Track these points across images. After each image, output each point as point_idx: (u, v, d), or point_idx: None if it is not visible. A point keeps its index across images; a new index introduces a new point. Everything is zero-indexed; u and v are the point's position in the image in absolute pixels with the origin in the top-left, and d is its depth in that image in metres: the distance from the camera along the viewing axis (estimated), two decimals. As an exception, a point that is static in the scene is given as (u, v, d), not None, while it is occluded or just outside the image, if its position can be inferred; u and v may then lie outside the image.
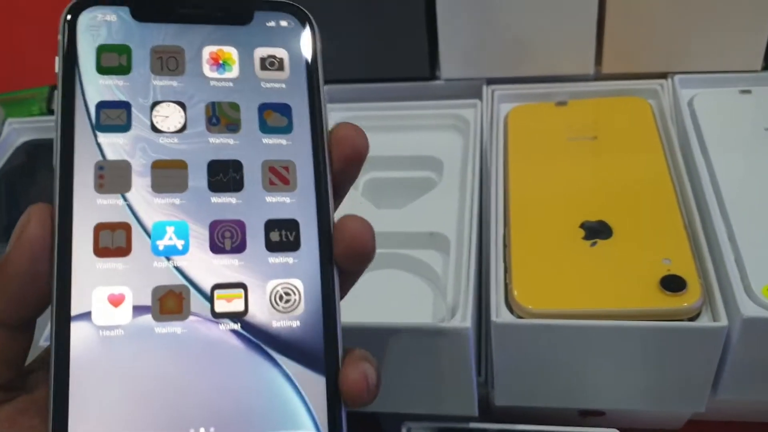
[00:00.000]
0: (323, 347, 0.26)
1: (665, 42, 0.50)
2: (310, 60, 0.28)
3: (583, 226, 0.42)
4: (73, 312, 0.24)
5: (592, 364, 0.39)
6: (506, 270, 0.41)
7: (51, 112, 0.59)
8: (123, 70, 0.26)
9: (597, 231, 0.42)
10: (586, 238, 0.41)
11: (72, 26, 0.26)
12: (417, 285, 0.43)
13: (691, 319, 0.37)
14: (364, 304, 0.37)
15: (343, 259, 0.26)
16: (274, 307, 0.26)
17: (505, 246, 0.42)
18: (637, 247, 0.40)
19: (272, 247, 0.26)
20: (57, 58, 0.26)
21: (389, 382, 0.38)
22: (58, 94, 0.26)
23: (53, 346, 0.24)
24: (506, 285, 0.40)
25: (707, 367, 0.38)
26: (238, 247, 0.26)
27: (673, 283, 0.38)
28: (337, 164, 0.27)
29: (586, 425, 0.41)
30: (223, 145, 0.27)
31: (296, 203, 0.27)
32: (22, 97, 0.61)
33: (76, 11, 0.26)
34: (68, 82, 0.26)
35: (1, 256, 0.24)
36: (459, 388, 0.40)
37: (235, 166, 0.27)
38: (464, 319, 0.38)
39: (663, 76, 0.51)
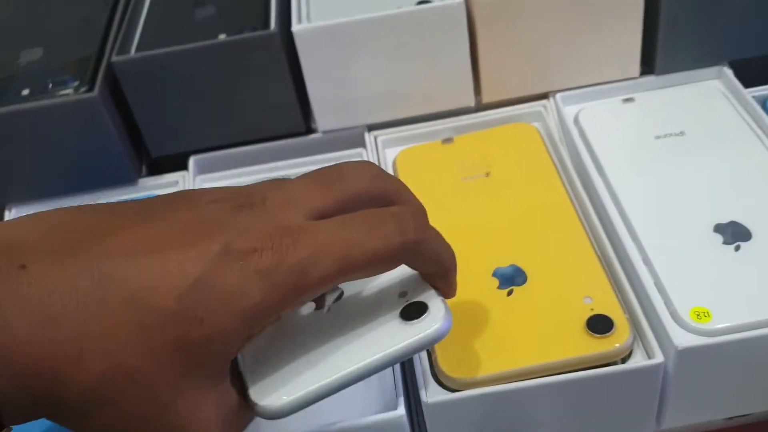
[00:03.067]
0: None
1: (541, 62, 0.48)
2: None
3: (495, 274, 0.39)
4: None
5: (532, 422, 0.37)
6: (425, 337, 0.38)
7: None
8: None
9: (511, 278, 0.39)
10: (501, 287, 0.39)
11: None
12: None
13: (624, 360, 0.36)
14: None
15: None
16: None
17: (419, 310, 0.39)
18: (554, 289, 0.38)
19: None
20: None
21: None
22: None
23: None
24: (429, 354, 0.37)
25: (649, 403, 0.37)
26: None
27: (599, 324, 0.36)
28: None
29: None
30: None
31: None
32: None
33: None
34: None
35: None
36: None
37: None
38: (398, 406, 0.34)
39: (544, 96, 0.50)
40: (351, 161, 0.32)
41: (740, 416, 0.44)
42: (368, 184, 0.31)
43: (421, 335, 0.31)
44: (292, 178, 0.31)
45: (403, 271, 0.33)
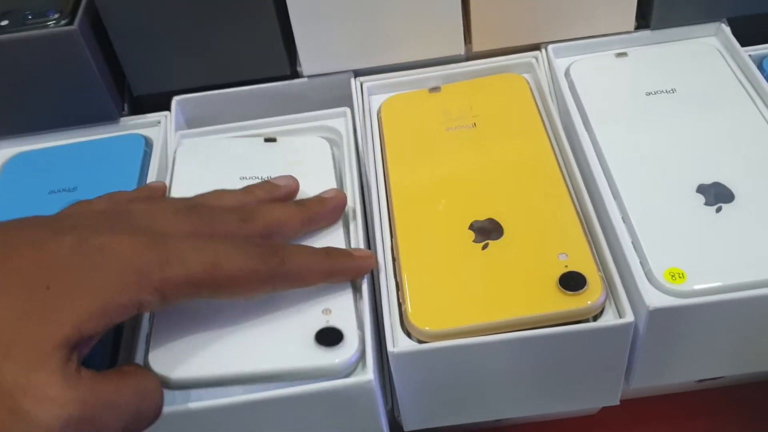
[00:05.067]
0: None
1: (534, 12, 0.47)
2: None
3: (472, 227, 0.39)
4: None
5: (500, 377, 0.37)
6: (398, 287, 0.37)
7: None
8: None
9: (487, 231, 0.39)
10: (477, 240, 0.38)
11: None
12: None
13: (596, 317, 0.35)
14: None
15: None
16: None
17: (393, 259, 0.39)
18: (530, 244, 0.38)
19: None
20: None
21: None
22: None
23: None
24: (399, 305, 0.37)
25: (618, 362, 0.36)
26: None
27: (572, 281, 0.35)
28: None
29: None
30: None
31: None
32: None
33: None
34: None
35: None
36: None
37: None
38: (367, 369, 0.34)
39: (536, 47, 0.49)
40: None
41: (711, 379, 0.44)
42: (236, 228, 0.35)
43: (327, 365, 0.33)
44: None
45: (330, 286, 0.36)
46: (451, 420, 0.39)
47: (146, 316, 0.37)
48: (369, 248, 0.40)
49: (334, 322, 0.35)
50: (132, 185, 0.45)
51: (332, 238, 0.39)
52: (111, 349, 0.37)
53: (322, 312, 0.35)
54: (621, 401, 0.39)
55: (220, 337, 0.35)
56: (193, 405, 0.33)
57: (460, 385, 0.37)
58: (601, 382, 0.38)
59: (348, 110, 0.47)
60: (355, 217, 0.40)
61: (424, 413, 0.38)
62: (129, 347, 0.37)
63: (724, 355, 0.38)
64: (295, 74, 0.49)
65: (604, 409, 0.45)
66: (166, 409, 0.32)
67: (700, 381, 0.44)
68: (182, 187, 0.42)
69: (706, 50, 0.47)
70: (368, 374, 0.33)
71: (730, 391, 0.45)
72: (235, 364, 0.34)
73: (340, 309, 0.36)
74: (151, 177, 0.45)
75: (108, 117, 0.48)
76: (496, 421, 0.44)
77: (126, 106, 0.49)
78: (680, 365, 0.38)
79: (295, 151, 0.45)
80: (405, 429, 0.39)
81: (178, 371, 0.33)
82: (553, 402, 0.39)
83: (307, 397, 0.33)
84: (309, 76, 0.49)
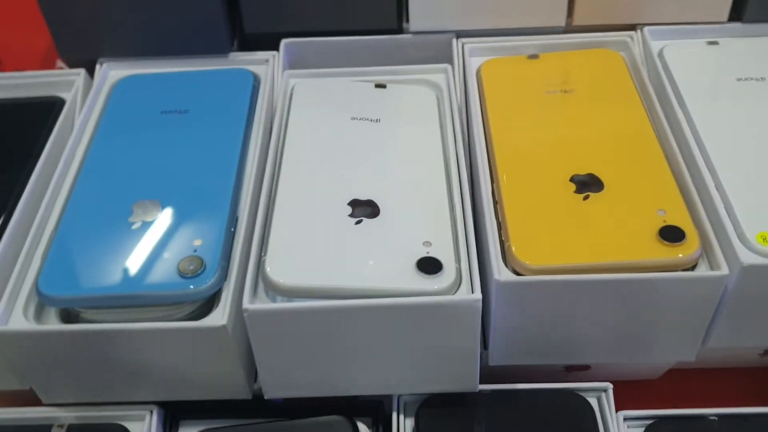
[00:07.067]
0: None
1: (635, -7, 0.49)
2: None
3: (573, 179, 0.41)
4: None
5: (591, 320, 0.39)
6: (500, 227, 0.39)
7: None
8: None
9: (588, 184, 0.41)
10: (578, 191, 0.40)
11: None
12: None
13: (689, 270, 0.37)
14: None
15: None
16: None
17: (495, 203, 0.41)
18: (630, 199, 0.40)
19: None
20: None
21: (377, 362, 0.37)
22: None
23: None
24: (502, 242, 0.39)
25: (703, 316, 0.38)
26: None
27: (672, 234, 0.37)
28: None
29: (572, 380, 0.41)
30: None
31: None
32: None
33: None
34: None
35: None
36: (463, 364, 0.38)
37: None
38: (473, 290, 0.36)
39: (632, 27, 0.51)
40: None
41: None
42: None
43: (426, 291, 0.35)
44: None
45: (430, 217, 0.39)
46: (534, 359, 0.41)
47: (260, 220, 0.39)
48: (471, 193, 0.42)
49: (434, 253, 0.37)
50: (242, 117, 0.46)
51: (433, 180, 0.41)
52: (226, 250, 0.39)
53: (423, 244, 0.38)
54: (677, 373, 0.41)
55: (330, 253, 0.37)
56: (313, 304, 0.35)
57: (552, 323, 0.39)
58: (683, 335, 0.40)
59: (449, 67, 0.49)
60: (458, 165, 0.42)
61: (512, 349, 0.40)
62: (245, 250, 0.39)
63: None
64: (400, 30, 0.51)
65: (667, 374, 0.47)
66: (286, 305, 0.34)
67: (765, 353, 0.46)
68: (299, 123, 0.44)
69: (795, 47, 0.50)
70: (477, 294, 0.35)
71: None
72: (342, 279, 0.36)
73: (440, 243, 0.38)
74: (260, 111, 0.47)
75: (219, 50, 0.50)
76: (567, 371, 0.46)
77: (236, 42, 0.52)
78: (759, 328, 0.40)
79: (403, 97, 0.47)
80: (490, 363, 0.41)
81: (289, 279, 0.35)
82: (634, 352, 0.41)
83: (418, 307, 0.35)
84: (414, 33, 0.51)
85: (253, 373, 0.40)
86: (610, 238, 0.38)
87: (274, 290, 0.36)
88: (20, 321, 0.37)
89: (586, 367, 0.45)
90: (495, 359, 0.41)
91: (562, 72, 0.48)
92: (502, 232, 0.39)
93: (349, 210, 0.39)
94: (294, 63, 0.52)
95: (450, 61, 0.50)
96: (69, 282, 0.37)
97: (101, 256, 0.38)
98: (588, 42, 0.50)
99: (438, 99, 0.47)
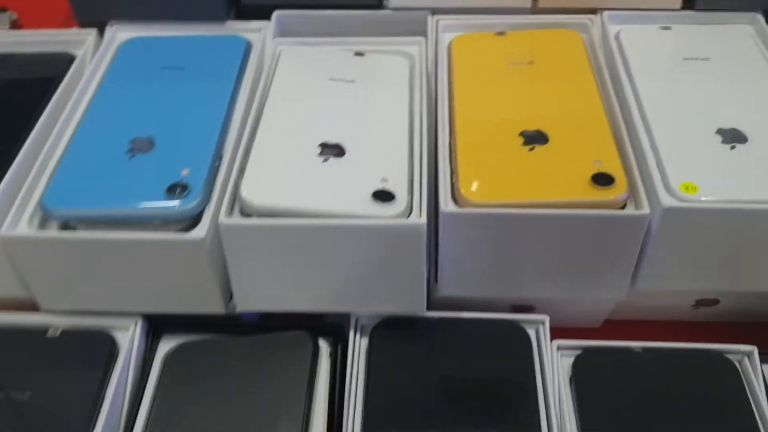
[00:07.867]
0: None
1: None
2: None
3: (522, 134, 0.46)
4: None
5: (529, 254, 0.43)
6: (452, 172, 0.44)
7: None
8: None
9: (535, 138, 0.46)
10: (525, 144, 0.45)
11: None
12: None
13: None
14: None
15: None
16: None
17: (450, 152, 0.46)
18: (570, 151, 0.45)
19: None
20: None
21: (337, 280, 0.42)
22: None
23: None
24: (452, 184, 0.44)
25: (630, 253, 0.43)
26: None
27: (602, 179, 0.42)
28: None
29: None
30: None
31: None
32: None
33: None
34: None
35: None
36: (410, 287, 0.43)
37: None
38: (420, 215, 0.41)
39: (593, 11, 0.56)
40: None
41: (707, 305, 0.50)
42: None
43: (386, 215, 0.40)
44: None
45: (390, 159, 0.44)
46: (479, 291, 0.46)
47: (240, 155, 0.44)
48: (433, 144, 0.47)
49: (390, 187, 0.42)
50: (233, 75, 0.52)
51: (398, 132, 0.46)
52: (210, 179, 0.44)
53: (381, 180, 0.43)
54: (621, 322, 0.45)
55: (299, 182, 0.42)
56: (278, 221, 0.40)
57: (495, 257, 0.44)
58: (612, 273, 0.44)
59: (423, 39, 0.54)
60: (421, 120, 0.47)
61: (459, 281, 0.45)
62: (226, 181, 0.44)
63: (724, 269, 0.44)
64: (380, 6, 0.57)
65: (606, 324, 0.51)
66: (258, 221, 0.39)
67: (697, 305, 0.50)
68: (282, 81, 0.50)
69: (741, 34, 0.54)
70: (422, 219, 0.40)
71: (720, 327, 0.51)
72: (307, 202, 0.41)
73: (396, 179, 0.43)
74: (249, 73, 0.52)
75: (217, 18, 0.56)
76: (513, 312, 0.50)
77: (233, 12, 0.57)
78: (683, 273, 0.45)
79: (378, 65, 0.52)
80: (438, 294, 0.46)
81: (261, 199, 0.41)
82: (568, 287, 0.45)
83: (368, 229, 0.40)
84: (393, 9, 0.56)
85: (228, 292, 0.45)
86: (549, 181, 0.43)
87: (248, 209, 0.41)
88: (25, 229, 0.42)
89: (531, 309, 0.49)
90: (443, 290, 0.45)
91: (526, 47, 0.53)
92: (453, 176, 0.44)
93: (319, 150, 0.44)
94: (284, 32, 0.57)
95: (425, 35, 0.55)
96: (70, 198, 0.42)
97: (100, 180, 0.43)
98: (552, 23, 0.55)
99: (411, 67, 0.52)
